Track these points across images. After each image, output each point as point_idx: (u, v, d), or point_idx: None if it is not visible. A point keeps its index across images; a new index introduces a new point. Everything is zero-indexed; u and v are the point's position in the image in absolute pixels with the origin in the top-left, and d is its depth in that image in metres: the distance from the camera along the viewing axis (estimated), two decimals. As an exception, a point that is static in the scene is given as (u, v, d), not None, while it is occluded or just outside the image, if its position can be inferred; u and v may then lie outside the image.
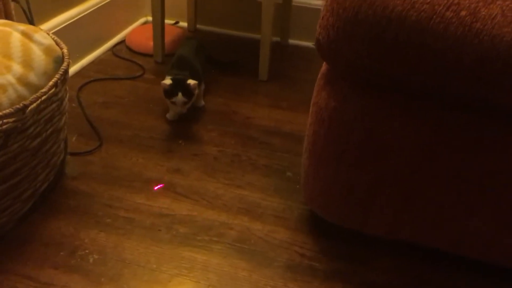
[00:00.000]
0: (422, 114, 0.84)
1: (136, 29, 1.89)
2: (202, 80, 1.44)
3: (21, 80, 0.96)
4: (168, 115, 1.42)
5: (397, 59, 0.78)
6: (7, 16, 1.22)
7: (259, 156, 1.30)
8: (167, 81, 1.31)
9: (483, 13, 0.74)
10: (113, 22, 1.82)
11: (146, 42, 1.79)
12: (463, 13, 0.75)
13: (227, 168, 1.24)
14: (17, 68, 0.96)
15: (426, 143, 0.86)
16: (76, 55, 1.62)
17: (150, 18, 2.04)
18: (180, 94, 1.29)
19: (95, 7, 1.68)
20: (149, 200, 1.12)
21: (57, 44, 1.08)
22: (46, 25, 1.48)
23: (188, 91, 1.30)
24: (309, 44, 1.93)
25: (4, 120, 0.87)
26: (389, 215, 0.96)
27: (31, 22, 1.31)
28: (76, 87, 1.52)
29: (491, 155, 0.84)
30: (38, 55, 1.01)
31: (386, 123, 0.87)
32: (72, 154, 1.24)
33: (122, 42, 1.85)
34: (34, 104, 0.94)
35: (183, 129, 1.38)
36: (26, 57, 0.99)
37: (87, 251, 0.98)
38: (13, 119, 0.89)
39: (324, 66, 0.94)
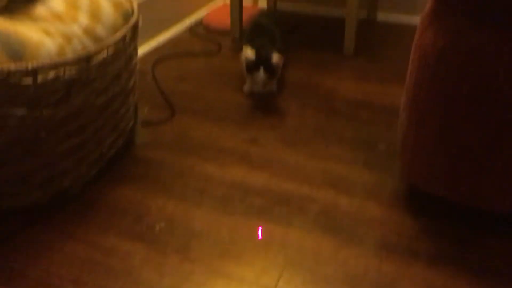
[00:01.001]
0: None
1: (214, 9, 1.82)
2: (282, 52, 1.31)
3: (88, 31, 0.89)
4: (245, 88, 1.31)
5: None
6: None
7: (345, 128, 1.15)
8: (249, 52, 1.19)
9: None
10: (191, 0, 1.76)
11: (223, 20, 1.70)
12: None
13: (309, 140, 1.11)
14: (83, 19, 0.90)
15: None
16: (153, 32, 1.57)
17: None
18: (262, 70, 1.17)
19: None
20: (222, 170, 1.01)
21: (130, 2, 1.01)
22: None
23: (271, 67, 1.18)
24: (399, 19, 1.75)
25: (67, 68, 0.80)
26: (507, 183, 0.77)
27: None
28: (151, 62, 1.46)
29: None
30: (106, 8, 0.95)
31: (505, 66, 0.69)
32: (144, 123, 1.17)
33: (199, 22, 1.78)
34: (100, 55, 0.86)
35: (260, 102, 1.27)
36: (94, 9, 0.93)
37: (153, 219, 0.89)
38: (76, 68, 0.82)
39: (430, 2, 0.78)
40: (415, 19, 1.72)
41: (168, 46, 1.59)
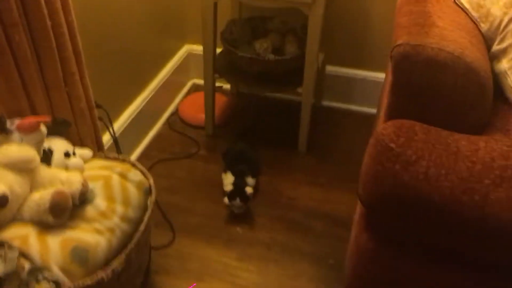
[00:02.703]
0: (447, 273, 1.07)
1: (187, 100, 2.11)
2: (257, 172, 1.67)
3: (123, 218, 1.21)
4: (225, 201, 1.65)
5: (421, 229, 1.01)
6: (99, 146, 1.46)
7: (304, 242, 1.54)
8: (228, 183, 1.55)
9: (492, 197, 0.95)
10: (167, 95, 2.05)
11: (197, 114, 2.01)
12: (476, 197, 0.96)
13: (279, 258, 1.49)
14: (119, 208, 1.21)
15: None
16: (139, 137, 1.87)
17: (197, 81, 2.26)
18: (238, 200, 1.54)
19: (155, 90, 1.91)
20: (220, 295, 1.39)
21: (145, 176, 1.32)
22: (122, 116, 1.72)
23: (245, 197, 1.55)
24: (341, 105, 2.14)
25: (116, 266, 1.13)
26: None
27: (118, 148, 1.53)
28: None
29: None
30: (133, 192, 1.26)
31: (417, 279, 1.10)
32: (152, 248, 1.50)
33: (175, 112, 2.08)
34: (134, 244, 1.19)
35: (238, 216, 1.63)
36: (125, 196, 1.24)
37: None
38: (123, 264, 1.14)
39: (358, 213, 1.17)
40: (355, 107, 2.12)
41: (153, 148, 1.89)
